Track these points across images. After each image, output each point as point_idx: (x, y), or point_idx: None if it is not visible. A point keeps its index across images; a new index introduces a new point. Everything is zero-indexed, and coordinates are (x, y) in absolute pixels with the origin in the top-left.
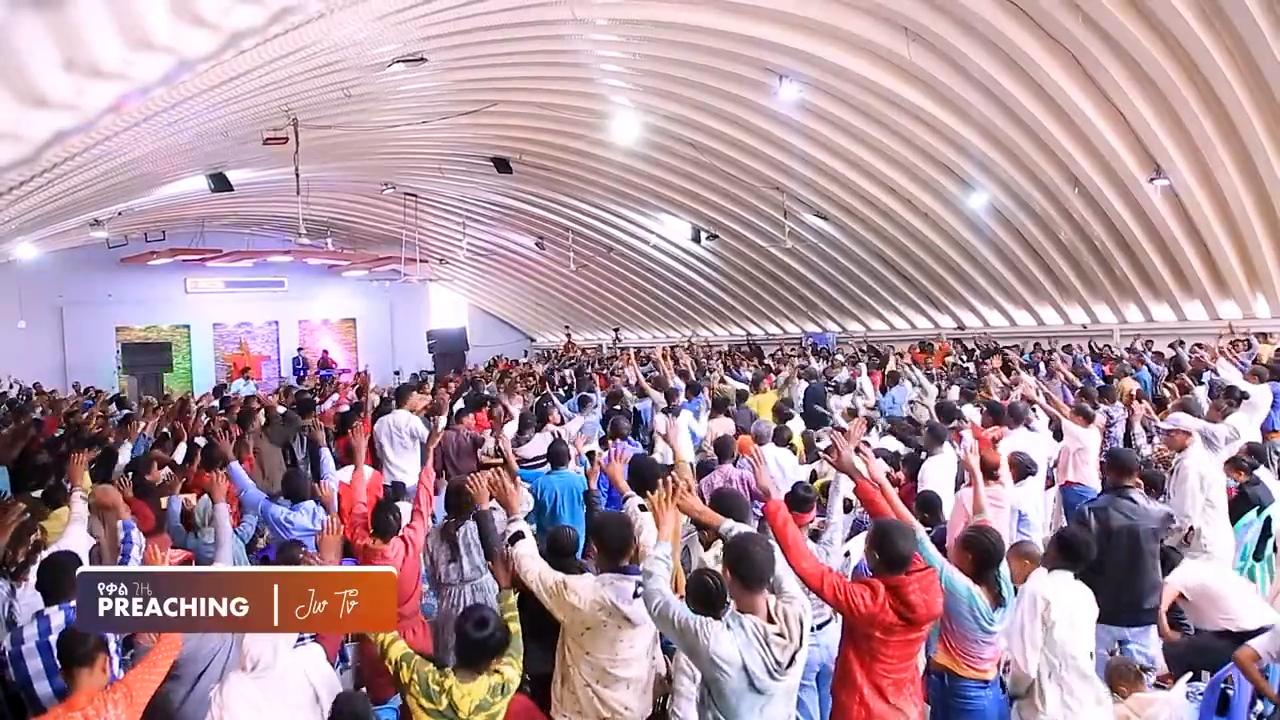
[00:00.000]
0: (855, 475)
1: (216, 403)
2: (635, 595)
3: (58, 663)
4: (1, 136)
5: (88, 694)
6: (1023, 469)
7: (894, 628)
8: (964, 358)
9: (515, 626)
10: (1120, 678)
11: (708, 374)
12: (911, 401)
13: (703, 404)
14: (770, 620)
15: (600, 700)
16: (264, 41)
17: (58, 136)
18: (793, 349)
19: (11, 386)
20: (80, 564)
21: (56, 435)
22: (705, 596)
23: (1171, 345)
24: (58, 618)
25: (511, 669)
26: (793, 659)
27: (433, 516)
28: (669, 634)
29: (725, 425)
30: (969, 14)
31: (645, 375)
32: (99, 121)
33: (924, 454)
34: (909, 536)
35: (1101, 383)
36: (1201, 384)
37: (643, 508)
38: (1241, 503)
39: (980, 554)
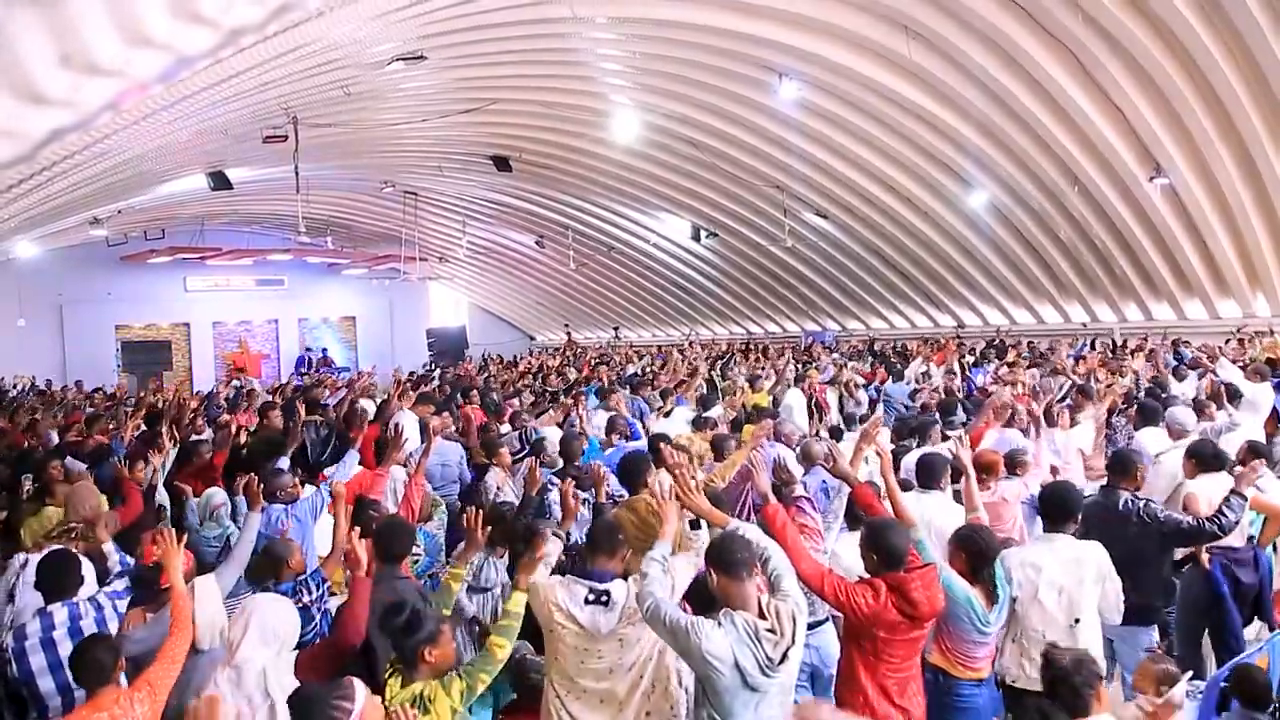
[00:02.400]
0: (851, 481)
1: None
2: (587, 602)
3: (62, 658)
4: None
5: (112, 694)
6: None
7: (897, 626)
8: (971, 353)
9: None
10: (1152, 681)
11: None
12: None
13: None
14: (762, 616)
15: (570, 716)
16: (263, 40)
17: (55, 134)
18: (792, 347)
19: (14, 385)
20: (79, 563)
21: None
22: (709, 596)
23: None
24: (60, 614)
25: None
26: (785, 655)
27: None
28: (662, 636)
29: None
30: (968, 12)
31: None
32: (97, 119)
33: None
34: (902, 532)
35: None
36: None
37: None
38: None
39: (973, 553)
